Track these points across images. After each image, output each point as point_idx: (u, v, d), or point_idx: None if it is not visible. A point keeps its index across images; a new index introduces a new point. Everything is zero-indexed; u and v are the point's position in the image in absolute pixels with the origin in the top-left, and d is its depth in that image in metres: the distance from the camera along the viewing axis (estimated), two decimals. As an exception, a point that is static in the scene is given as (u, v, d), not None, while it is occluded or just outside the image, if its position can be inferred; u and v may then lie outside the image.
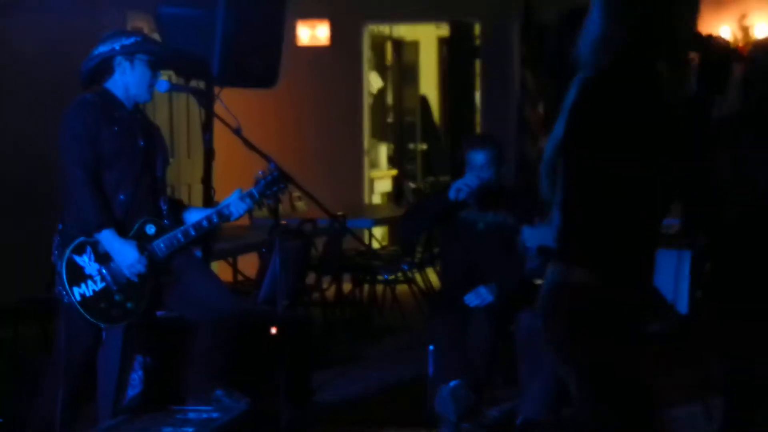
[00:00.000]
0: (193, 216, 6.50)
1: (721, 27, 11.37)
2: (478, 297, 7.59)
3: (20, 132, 9.87)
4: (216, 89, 7.57)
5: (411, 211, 8.31)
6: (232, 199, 6.48)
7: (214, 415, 6.34)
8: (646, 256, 4.12)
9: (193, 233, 6.39)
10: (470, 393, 7.37)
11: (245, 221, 11.22)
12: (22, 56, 10.57)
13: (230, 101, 7.20)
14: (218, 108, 7.34)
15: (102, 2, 9.87)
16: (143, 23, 7.47)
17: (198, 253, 7.49)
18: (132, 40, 6.36)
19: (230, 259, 10.72)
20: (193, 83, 7.64)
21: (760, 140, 5.17)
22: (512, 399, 7.57)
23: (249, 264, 10.67)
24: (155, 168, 6.48)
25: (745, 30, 11.95)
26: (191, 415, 6.36)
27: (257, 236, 10.06)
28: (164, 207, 6.45)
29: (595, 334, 4.08)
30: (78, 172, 6.12)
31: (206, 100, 7.50)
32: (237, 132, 6.70)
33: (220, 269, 10.56)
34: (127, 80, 6.35)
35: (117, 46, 6.32)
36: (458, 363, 7.45)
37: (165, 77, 6.95)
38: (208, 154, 7.76)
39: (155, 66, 6.42)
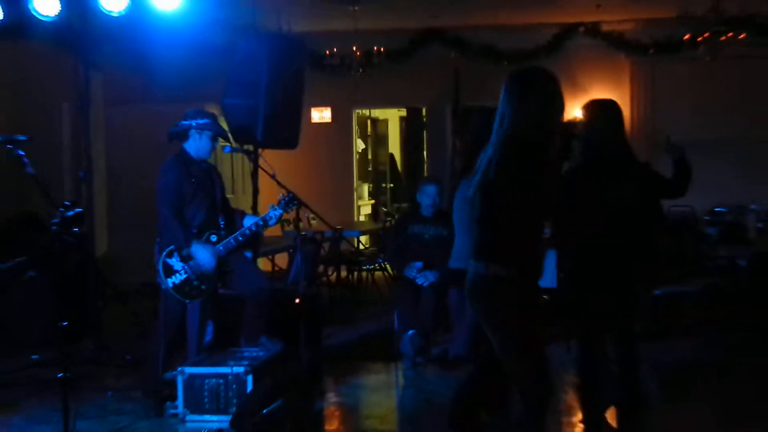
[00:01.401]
0: (246, 222, 6.48)
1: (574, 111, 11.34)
2: (425, 278, 7.66)
3: (137, 179, 9.80)
4: (260, 150, 7.52)
5: (391, 253, 8.22)
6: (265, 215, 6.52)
7: (260, 353, 6.30)
8: (538, 255, 4.11)
9: (240, 239, 6.38)
10: (421, 339, 7.47)
11: (279, 233, 11.17)
12: (136, 130, 10.52)
13: (269, 157, 7.15)
14: (261, 162, 7.33)
15: (187, 96, 9.82)
16: (215, 108, 7.41)
17: (249, 253, 7.45)
18: (204, 121, 6.38)
19: (270, 257, 10.71)
20: (246, 146, 7.55)
21: (594, 184, 5.10)
22: (447, 342, 7.58)
23: (282, 260, 10.60)
24: (216, 198, 6.47)
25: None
26: (245, 354, 6.30)
27: (287, 242, 10.08)
28: (222, 222, 6.42)
29: (507, 308, 4.03)
30: (167, 210, 6.20)
31: (253, 157, 7.49)
32: (273, 177, 6.64)
33: (264, 264, 10.47)
34: (197, 145, 6.39)
35: (194, 123, 6.37)
36: (413, 320, 7.51)
37: (227, 144, 6.95)
38: (255, 191, 7.76)
39: (215, 139, 6.44)
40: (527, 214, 3.99)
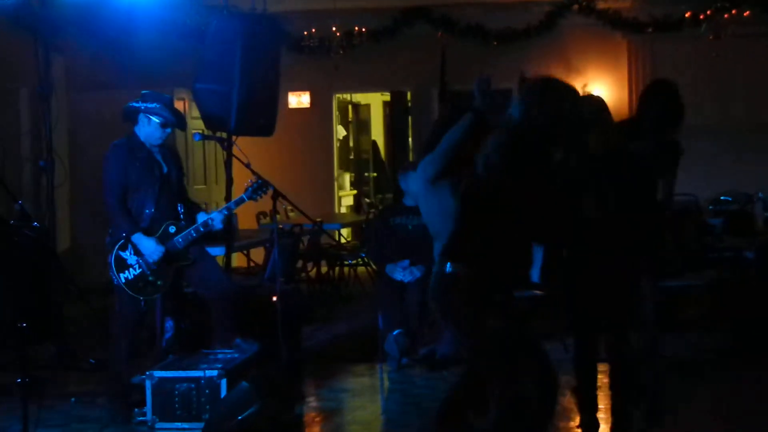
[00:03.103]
0: (202, 217, 6.32)
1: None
2: (411, 274, 7.62)
3: (98, 168, 9.74)
4: (233, 138, 7.44)
5: (373, 248, 8.14)
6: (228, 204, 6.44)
7: (235, 355, 6.26)
8: (509, 255, 4.11)
9: (201, 230, 6.24)
10: (407, 338, 7.46)
11: (255, 226, 11.13)
12: (103, 118, 10.45)
13: (243, 145, 7.09)
14: (235, 150, 7.25)
15: (157, 81, 9.78)
16: (185, 94, 7.34)
17: (223, 249, 7.41)
18: (154, 105, 6.19)
19: (245, 252, 10.60)
20: (218, 134, 7.49)
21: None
22: (435, 342, 7.51)
23: (258, 254, 10.56)
24: (173, 186, 6.32)
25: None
26: (219, 356, 6.26)
27: (263, 236, 9.97)
28: (181, 211, 6.31)
29: (458, 305, 4.08)
30: (111, 200, 6.11)
31: (227, 145, 7.40)
32: (247, 165, 6.61)
33: (238, 259, 10.42)
34: (144, 130, 6.22)
35: (143, 106, 6.20)
36: (398, 319, 7.50)
37: (199, 131, 6.87)
38: (229, 181, 7.67)
39: (165, 126, 6.21)
40: (512, 215, 4.03)
